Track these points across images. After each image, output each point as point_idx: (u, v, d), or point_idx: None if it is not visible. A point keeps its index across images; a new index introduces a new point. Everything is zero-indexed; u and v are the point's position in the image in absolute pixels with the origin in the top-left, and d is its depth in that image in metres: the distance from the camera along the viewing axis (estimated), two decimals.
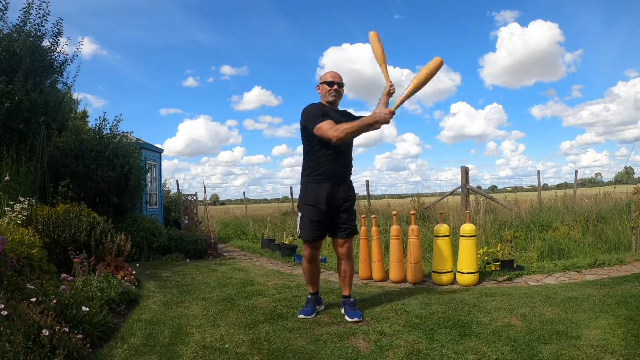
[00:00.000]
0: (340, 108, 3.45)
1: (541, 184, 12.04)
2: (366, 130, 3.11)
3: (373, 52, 3.24)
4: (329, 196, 3.20)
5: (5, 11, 5.97)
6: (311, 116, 3.18)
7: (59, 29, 6.37)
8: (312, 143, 3.23)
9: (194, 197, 10.29)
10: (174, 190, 12.82)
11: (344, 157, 3.30)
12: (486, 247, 5.00)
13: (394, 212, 4.83)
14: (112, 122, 7.12)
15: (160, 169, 10.33)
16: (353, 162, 3.45)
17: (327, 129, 3.05)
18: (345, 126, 3.05)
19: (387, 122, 3.02)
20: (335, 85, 3.31)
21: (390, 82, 3.18)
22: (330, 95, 3.31)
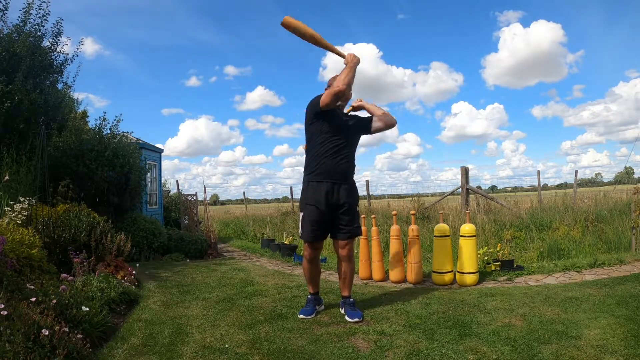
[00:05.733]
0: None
1: (541, 184, 12.06)
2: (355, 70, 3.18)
3: (304, 35, 3.16)
4: (328, 196, 3.19)
5: (5, 11, 5.96)
6: (319, 99, 3.21)
7: (59, 29, 6.36)
8: (314, 138, 3.26)
9: (194, 197, 10.29)
10: (174, 190, 12.82)
11: (345, 154, 3.25)
12: (486, 247, 5.00)
13: (394, 212, 4.84)
14: (112, 122, 7.11)
15: (160, 169, 10.33)
16: (355, 161, 3.42)
17: (330, 89, 3.14)
18: (341, 76, 3.13)
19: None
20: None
21: (345, 55, 3.21)
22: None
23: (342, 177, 3.25)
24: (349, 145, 3.31)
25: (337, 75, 3.32)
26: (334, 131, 3.22)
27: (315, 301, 3.41)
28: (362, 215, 5.06)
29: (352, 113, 3.51)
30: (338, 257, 3.39)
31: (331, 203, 3.21)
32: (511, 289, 3.95)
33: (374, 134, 3.53)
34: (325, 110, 3.20)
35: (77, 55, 6.72)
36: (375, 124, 3.44)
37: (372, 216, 5.44)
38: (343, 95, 3.15)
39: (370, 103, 3.55)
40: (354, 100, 3.52)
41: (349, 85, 3.12)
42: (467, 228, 4.30)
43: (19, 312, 2.27)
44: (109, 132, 7.01)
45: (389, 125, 3.47)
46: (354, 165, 3.39)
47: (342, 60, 3.21)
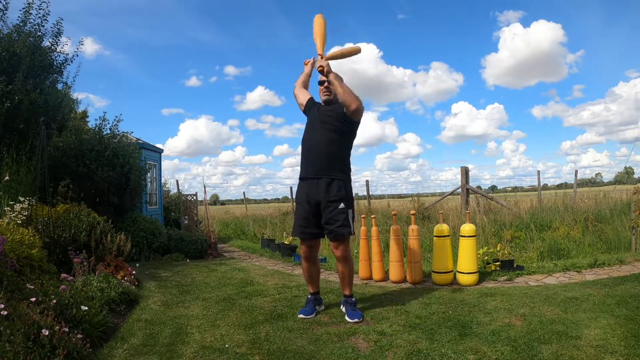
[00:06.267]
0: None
1: (541, 184, 12.05)
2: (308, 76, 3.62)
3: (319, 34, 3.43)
4: (308, 193, 3.23)
5: (5, 11, 5.96)
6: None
7: (59, 29, 6.36)
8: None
9: (194, 197, 10.29)
10: (174, 190, 12.82)
11: (323, 148, 3.18)
12: (486, 247, 5.00)
13: (394, 212, 4.84)
14: (112, 122, 7.12)
15: (160, 169, 10.33)
16: (340, 158, 3.24)
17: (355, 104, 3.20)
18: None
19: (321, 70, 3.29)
20: (326, 82, 3.34)
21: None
22: (322, 94, 3.40)
23: (320, 172, 3.18)
24: (328, 139, 3.19)
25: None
26: (311, 126, 3.34)
27: (315, 301, 3.41)
28: (362, 215, 5.08)
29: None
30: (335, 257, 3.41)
31: (312, 199, 3.21)
32: (511, 289, 3.95)
33: (357, 116, 3.23)
34: (307, 106, 3.46)
35: (77, 55, 6.73)
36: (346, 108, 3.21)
37: (372, 216, 5.44)
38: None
39: (336, 78, 3.24)
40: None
41: (300, 84, 3.62)
42: (467, 228, 4.30)
43: (19, 312, 2.27)
44: (109, 132, 7.01)
45: (350, 107, 3.14)
46: (336, 160, 3.21)
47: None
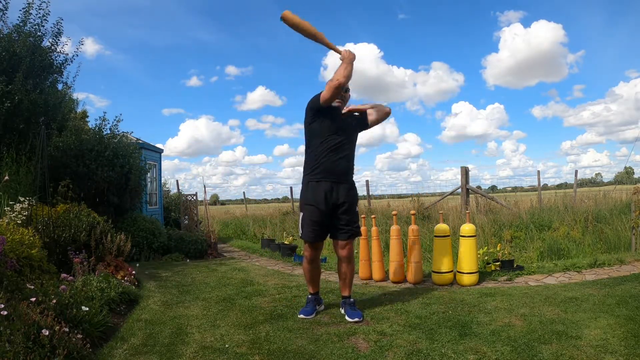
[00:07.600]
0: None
1: (541, 184, 12.05)
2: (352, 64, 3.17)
3: (302, 30, 3.12)
4: (327, 196, 3.18)
5: (5, 11, 5.97)
6: (318, 97, 3.21)
7: (59, 29, 6.37)
8: (313, 137, 3.24)
9: (194, 197, 10.29)
10: (174, 190, 12.84)
11: (344, 153, 3.24)
12: (486, 247, 5.00)
13: (394, 212, 4.84)
14: (112, 122, 7.12)
15: (160, 169, 10.33)
16: (355, 161, 3.42)
17: (329, 83, 3.10)
18: (340, 70, 3.10)
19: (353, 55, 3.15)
20: (341, 92, 3.28)
21: (341, 50, 3.24)
22: (335, 100, 3.29)
23: (341, 176, 3.24)
24: (349, 144, 3.31)
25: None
26: (333, 130, 3.23)
27: (315, 301, 3.41)
28: (362, 215, 5.07)
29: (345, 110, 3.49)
30: (338, 257, 3.38)
31: (331, 202, 3.20)
32: (511, 289, 3.95)
33: (372, 127, 3.54)
34: (325, 109, 3.20)
35: (77, 55, 6.75)
36: (370, 117, 3.47)
37: (372, 216, 5.44)
38: (342, 88, 3.14)
39: (358, 105, 3.50)
40: (348, 106, 3.45)
41: (347, 78, 3.12)
42: (467, 228, 4.30)
43: (19, 312, 2.27)
44: (109, 132, 7.02)
45: (383, 114, 3.49)
46: (353, 165, 3.38)
47: (339, 56, 3.20)
